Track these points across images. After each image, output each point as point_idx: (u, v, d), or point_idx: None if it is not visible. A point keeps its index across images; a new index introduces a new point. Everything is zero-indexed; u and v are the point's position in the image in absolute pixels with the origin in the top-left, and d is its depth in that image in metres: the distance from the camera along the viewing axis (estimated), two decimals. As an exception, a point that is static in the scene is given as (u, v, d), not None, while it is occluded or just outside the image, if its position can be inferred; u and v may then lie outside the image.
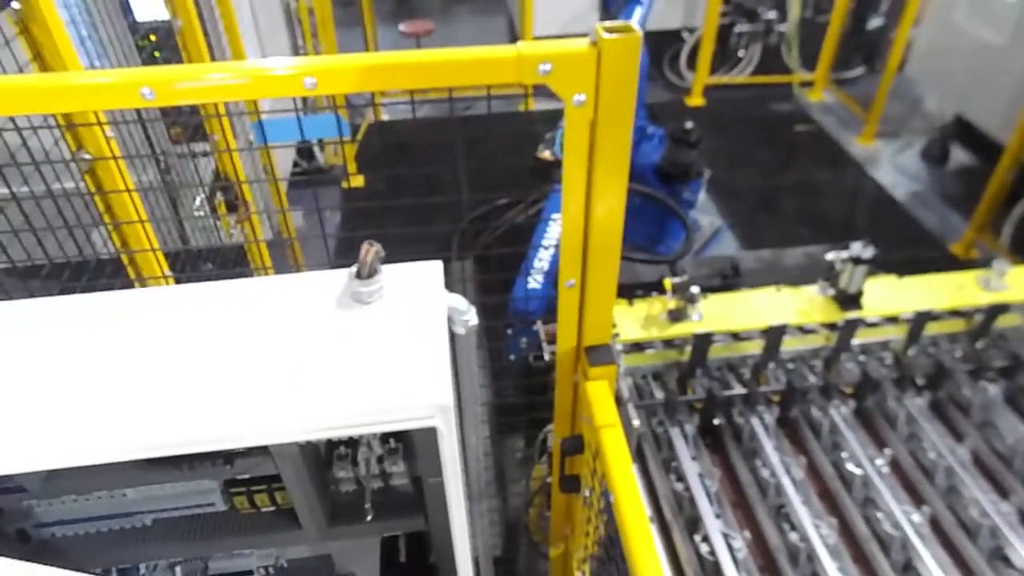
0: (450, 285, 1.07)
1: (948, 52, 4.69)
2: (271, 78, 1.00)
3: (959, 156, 5.01)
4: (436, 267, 1.06)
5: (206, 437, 0.87)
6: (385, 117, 6.07)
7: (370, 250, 0.97)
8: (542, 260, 3.07)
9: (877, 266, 2.29)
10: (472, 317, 1.04)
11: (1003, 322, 2.07)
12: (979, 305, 2.02)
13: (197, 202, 2.94)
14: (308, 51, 5.00)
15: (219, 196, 2.97)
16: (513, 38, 6.39)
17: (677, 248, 4.09)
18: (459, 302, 1.03)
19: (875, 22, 6.31)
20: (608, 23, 1.01)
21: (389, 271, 1.02)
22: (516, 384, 2.75)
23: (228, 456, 1.04)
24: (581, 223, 1.18)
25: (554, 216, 3.25)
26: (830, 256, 1.98)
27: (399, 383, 0.88)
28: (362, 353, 0.93)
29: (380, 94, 6.12)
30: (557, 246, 3.27)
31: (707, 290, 2.02)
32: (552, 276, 3.25)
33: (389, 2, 8.44)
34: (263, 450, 1.03)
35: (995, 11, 4.24)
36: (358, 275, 0.99)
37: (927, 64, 4.96)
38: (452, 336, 1.08)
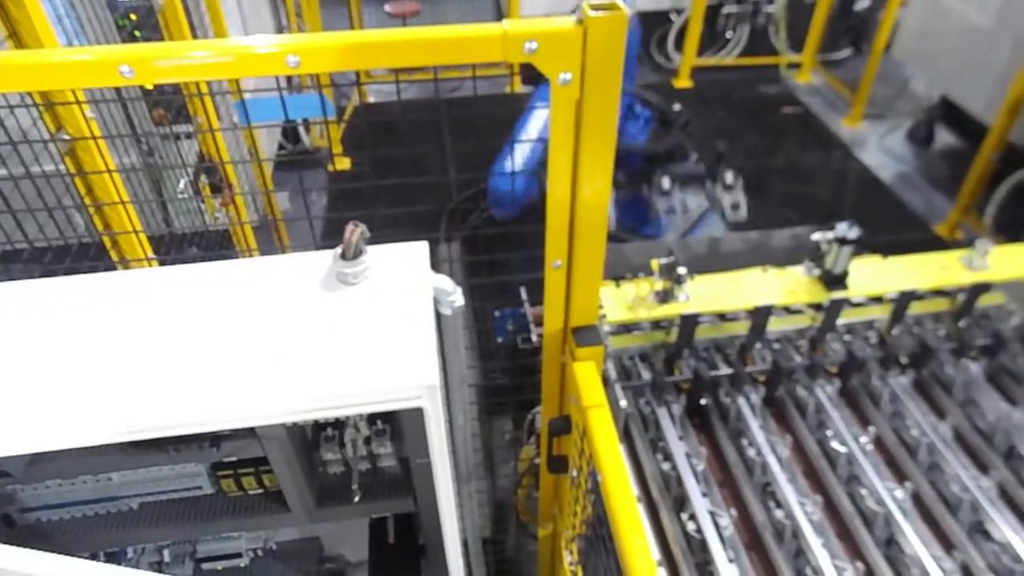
0: (437, 266, 1.07)
1: (934, 34, 4.69)
2: (253, 56, 0.99)
3: (945, 138, 5.04)
4: (422, 248, 1.06)
5: (191, 419, 0.87)
6: (371, 99, 6.02)
7: (355, 231, 0.96)
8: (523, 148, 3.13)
9: (863, 247, 2.30)
10: (458, 298, 1.04)
11: (985, 301, 2.09)
12: (962, 284, 2.04)
13: (181, 185, 2.91)
14: (293, 31, 4.93)
15: (203, 178, 2.93)
16: (499, 16, 6.33)
17: (665, 230, 4.10)
18: (445, 283, 1.02)
19: (862, 3, 6.31)
20: (595, 0, 1.00)
21: (374, 252, 1.02)
22: (504, 366, 2.75)
23: (214, 439, 1.04)
24: (567, 204, 1.18)
25: (539, 104, 3.31)
26: (816, 237, 1.99)
27: (385, 364, 0.87)
28: (348, 334, 0.92)
29: (366, 75, 6.05)
30: (539, 139, 3.35)
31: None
32: (532, 166, 3.31)
33: (374, -19, 8.31)
34: (250, 432, 1.02)
35: (981, -8, 4.25)
36: (343, 256, 0.98)
37: (914, 46, 4.96)
38: (438, 317, 1.08)
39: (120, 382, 0.89)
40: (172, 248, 2.82)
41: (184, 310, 1.00)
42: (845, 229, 1.95)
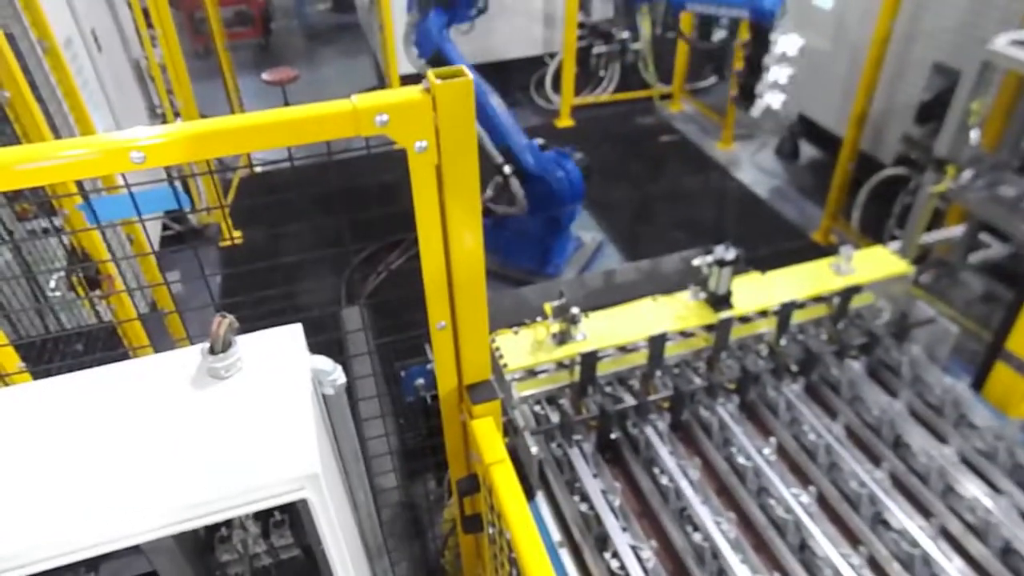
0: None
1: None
2: (95, 157, 0.95)
3: (808, 151, 5.43)
4: (296, 330, 1.03)
5: (57, 548, 0.80)
6: (258, 169, 5.90)
7: (221, 323, 0.93)
8: None
9: (747, 262, 2.41)
10: (339, 376, 1.02)
11: (858, 302, 2.24)
12: (834, 290, 2.17)
13: (52, 283, 2.73)
14: (166, 110, 4.79)
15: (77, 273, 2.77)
16: (380, 78, 6.39)
17: (563, 268, 4.19)
18: (324, 363, 1.00)
19: (719, 34, 6.77)
20: (440, 68, 1.02)
21: (246, 341, 0.99)
22: (419, 426, 2.71)
23: (91, 563, 0.97)
24: (443, 265, 1.19)
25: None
26: (696, 262, 2.08)
27: (263, 458, 0.84)
28: (223, 432, 0.88)
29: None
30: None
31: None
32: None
33: (250, 50, 8.24)
34: (132, 549, 0.96)
35: (816, 19, 4.64)
36: (211, 351, 0.94)
37: (768, 69, 5.34)
38: (324, 398, 1.05)
39: (-30, 521, 0.81)
40: (53, 352, 2.64)
41: (48, 427, 0.93)
42: (723, 251, 2.05)
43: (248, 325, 1.04)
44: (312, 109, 0.99)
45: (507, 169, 3.68)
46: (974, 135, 2.87)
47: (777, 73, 3.00)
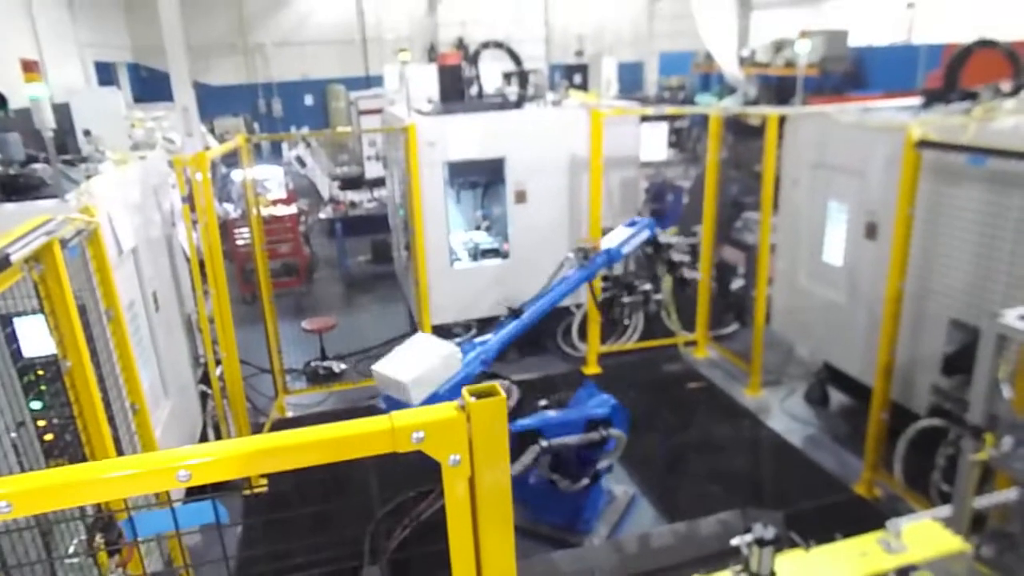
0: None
1: (801, 309, 5.28)
2: (140, 476, 0.99)
3: (839, 397, 5.40)
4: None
5: None
6: (289, 414, 6.01)
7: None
8: None
9: (789, 521, 2.30)
10: None
11: (914, 585, 2.08)
12: (886, 571, 2.04)
13: (72, 547, 2.68)
14: (208, 360, 5.03)
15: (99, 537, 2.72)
16: (412, 326, 6.71)
17: (595, 524, 4.01)
18: None
19: (737, 283, 7.13)
20: (474, 386, 1.09)
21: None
22: None
23: None
24: (473, 570, 1.16)
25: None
26: (735, 541, 1.99)
27: None
28: None
29: (284, 391, 6.12)
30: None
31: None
32: None
33: (293, 297, 8.81)
34: None
35: (829, 275, 4.90)
36: None
37: (788, 319, 5.53)
38: None
39: None
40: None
41: None
42: (761, 530, 1.97)
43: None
44: (351, 427, 1.04)
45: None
46: (1006, 391, 2.86)
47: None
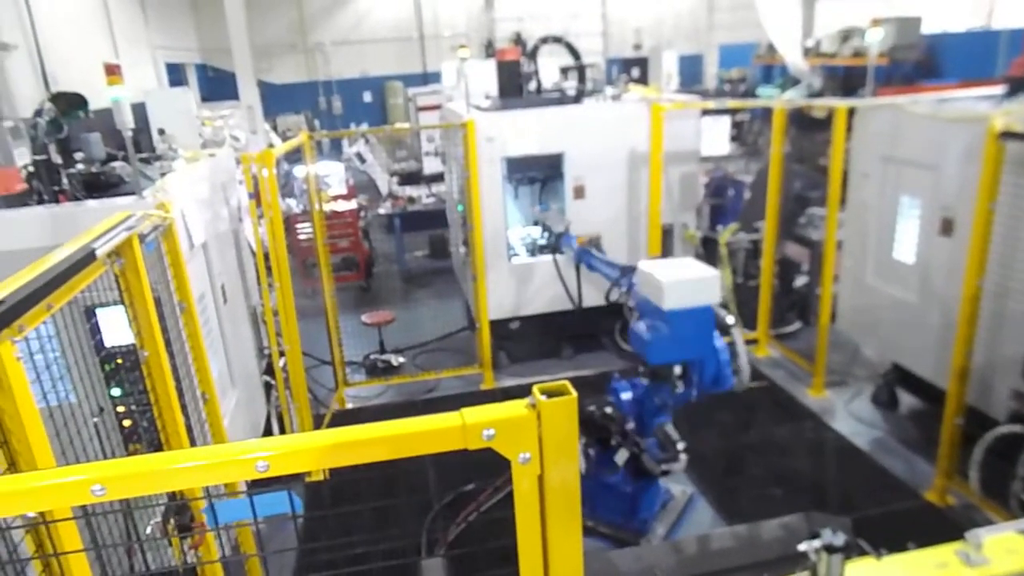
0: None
1: (869, 308, 5.10)
2: (221, 464, 1.02)
3: (908, 399, 5.20)
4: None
5: None
6: (349, 405, 6.14)
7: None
8: None
9: (856, 528, 2.22)
10: None
11: (995, 600, 1.99)
12: (966, 584, 1.95)
13: (149, 529, 2.80)
14: (272, 351, 5.17)
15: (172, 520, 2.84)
16: (470, 321, 6.76)
17: (652, 524, 3.97)
18: None
19: (801, 280, 6.93)
20: (544, 384, 1.08)
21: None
22: None
23: None
24: (540, 570, 1.16)
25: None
26: (802, 547, 1.93)
27: None
28: None
29: (344, 383, 6.25)
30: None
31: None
32: None
33: (353, 291, 8.98)
34: None
35: (899, 272, 4.71)
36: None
37: (854, 318, 5.35)
38: None
39: None
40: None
41: None
42: (831, 536, 1.91)
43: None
44: (424, 423, 1.06)
45: None
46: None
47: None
